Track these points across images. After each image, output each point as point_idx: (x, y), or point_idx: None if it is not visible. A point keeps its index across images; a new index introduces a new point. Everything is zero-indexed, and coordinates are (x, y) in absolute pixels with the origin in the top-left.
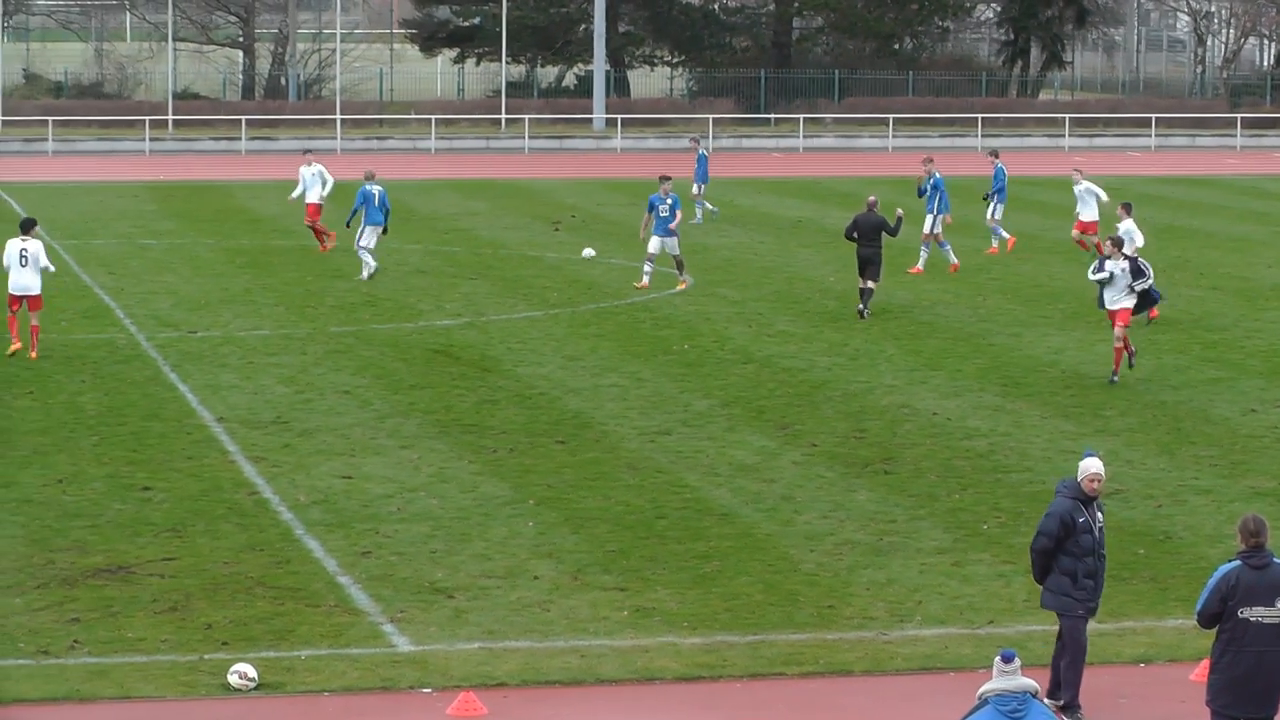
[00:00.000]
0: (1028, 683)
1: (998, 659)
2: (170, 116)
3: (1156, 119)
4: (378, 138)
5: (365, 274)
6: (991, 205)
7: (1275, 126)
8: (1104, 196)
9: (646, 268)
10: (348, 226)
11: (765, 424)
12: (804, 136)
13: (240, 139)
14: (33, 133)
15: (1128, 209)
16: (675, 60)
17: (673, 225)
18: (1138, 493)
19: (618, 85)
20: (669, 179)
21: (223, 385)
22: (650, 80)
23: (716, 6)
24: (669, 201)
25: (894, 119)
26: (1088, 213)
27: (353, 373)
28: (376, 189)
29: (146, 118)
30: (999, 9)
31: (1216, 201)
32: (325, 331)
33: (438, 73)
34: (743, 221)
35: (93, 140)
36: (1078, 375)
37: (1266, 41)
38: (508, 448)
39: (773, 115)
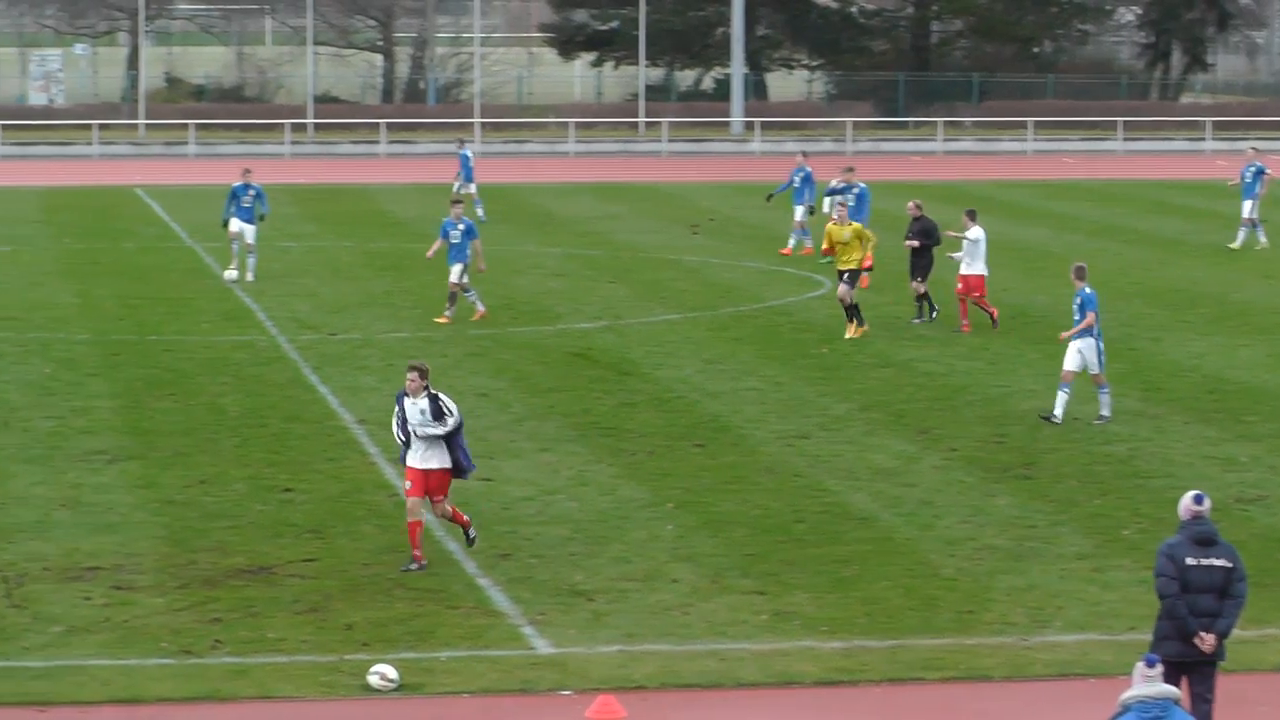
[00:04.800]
0: (1169, 689)
1: (1140, 664)
2: (310, 120)
3: None
4: (516, 141)
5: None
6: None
7: None
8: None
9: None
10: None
11: (904, 428)
12: (943, 140)
13: (379, 142)
14: (174, 136)
15: None
16: (813, 63)
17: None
18: None
19: (756, 88)
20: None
21: (363, 387)
22: (788, 83)
23: (855, 9)
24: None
25: (1033, 122)
26: None
27: (491, 375)
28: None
29: (286, 121)
30: (1140, 12)
31: None
32: (464, 334)
33: (575, 76)
34: (881, 224)
35: (233, 144)
36: (1219, 380)
37: None
38: (646, 451)
39: (911, 118)
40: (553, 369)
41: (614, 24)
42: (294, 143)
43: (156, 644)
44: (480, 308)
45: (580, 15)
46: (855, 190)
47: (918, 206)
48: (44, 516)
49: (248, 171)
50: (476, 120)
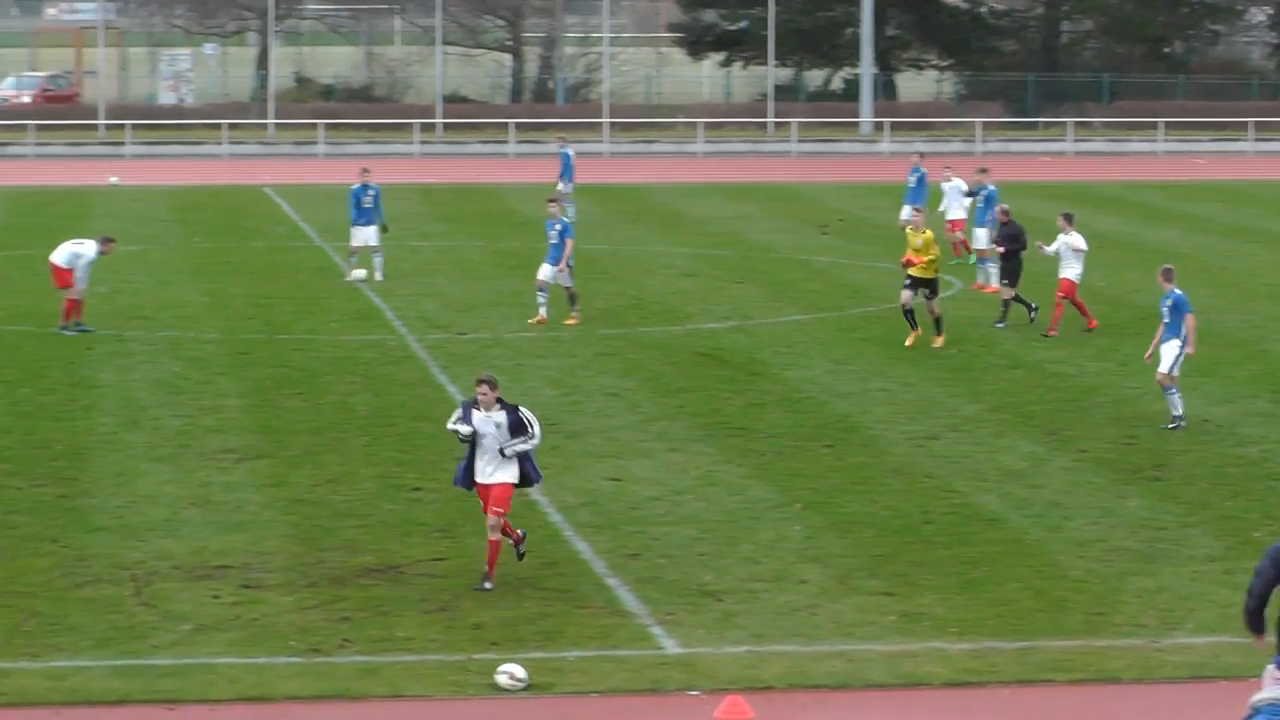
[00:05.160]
0: None
1: (1270, 667)
2: (439, 120)
3: None
4: (645, 141)
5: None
6: None
7: None
8: None
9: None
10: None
11: (1034, 429)
12: (1072, 140)
13: (508, 142)
14: (303, 135)
15: None
16: (943, 64)
17: None
18: None
19: (885, 88)
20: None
21: None
22: (917, 83)
23: (984, 9)
24: None
25: (1164, 123)
26: None
27: (620, 375)
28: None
29: (415, 121)
30: (1271, 13)
31: None
32: (593, 334)
33: (704, 76)
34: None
35: (362, 143)
36: None
37: None
38: (775, 451)
39: (1040, 119)
40: (682, 369)
41: (743, 24)
42: (423, 142)
43: (285, 642)
44: (542, 314)
45: (709, 15)
46: (984, 192)
47: (1005, 211)
48: (173, 515)
49: (366, 171)
50: (605, 120)
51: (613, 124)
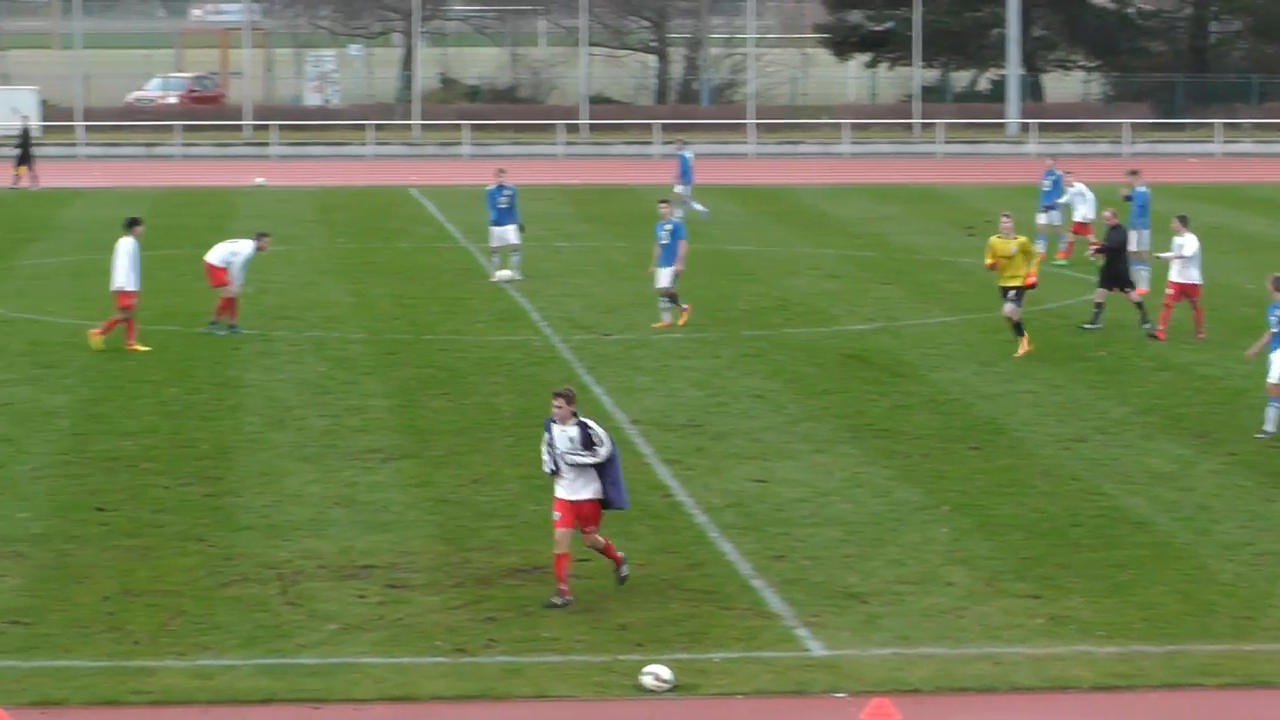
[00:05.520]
0: None
1: None
2: (584, 121)
3: None
4: (790, 142)
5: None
6: None
7: None
8: None
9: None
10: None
11: (1182, 432)
12: (1221, 141)
13: (652, 143)
14: (448, 136)
15: None
16: (1090, 64)
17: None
18: None
19: (1031, 89)
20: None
21: (636, 388)
22: (1064, 84)
23: (1132, 10)
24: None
25: None
26: None
27: (765, 376)
28: None
29: (560, 122)
30: None
31: None
32: (737, 335)
33: (849, 77)
34: (1161, 227)
35: (507, 144)
36: None
37: None
38: (921, 453)
39: (1188, 120)
40: (827, 370)
41: (889, 25)
42: (567, 143)
43: (430, 642)
44: (665, 319)
45: (855, 16)
46: (1135, 194)
47: (1114, 215)
48: (319, 515)
49: (501, 172)
50: (750, 121)
51: (758, 125)
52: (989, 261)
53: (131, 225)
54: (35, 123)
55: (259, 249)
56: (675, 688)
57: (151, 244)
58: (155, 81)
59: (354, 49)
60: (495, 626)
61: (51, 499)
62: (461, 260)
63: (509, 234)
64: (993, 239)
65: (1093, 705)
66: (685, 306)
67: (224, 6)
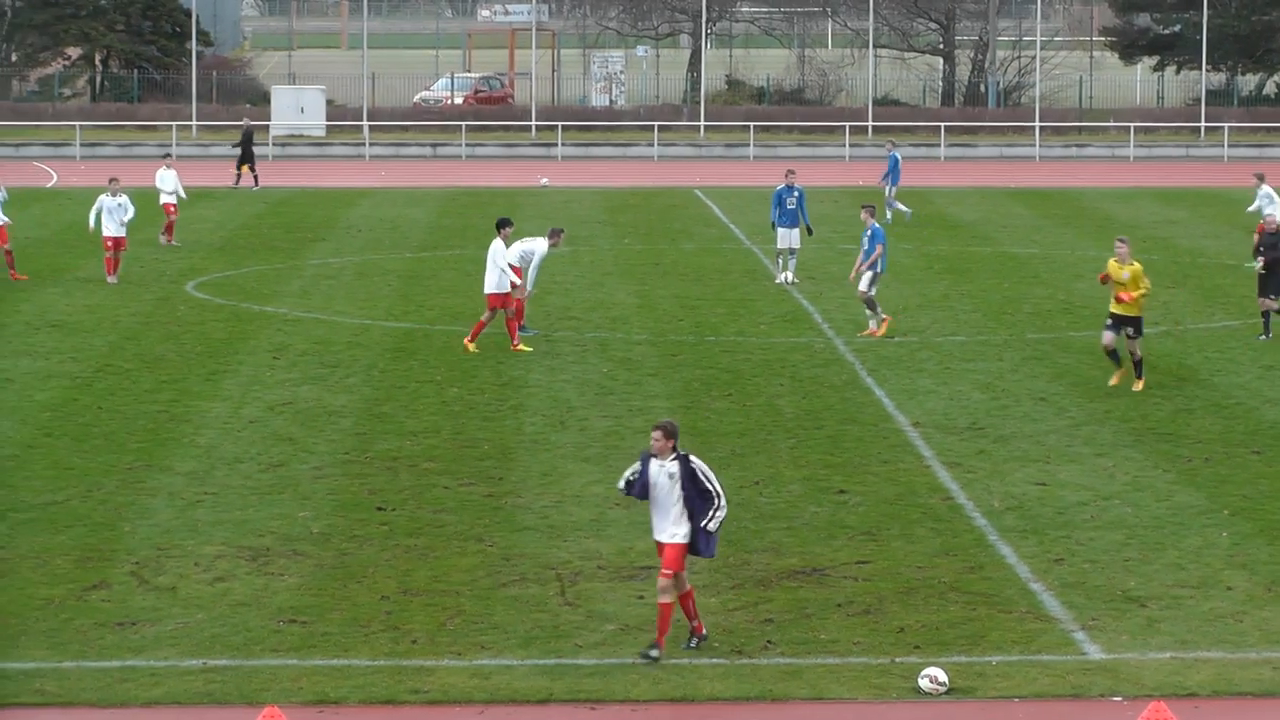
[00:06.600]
0: None
1: None
2: (870, 123)
3: None
4: (1076, 145)
5: None
6: None
7: None
8: None
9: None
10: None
11: None
12: None
13: (939, 145)
14: (734, 138)
15: None
16: None
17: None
18: None
19: None
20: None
21: (919, 390)
22: None
23: None
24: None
25: None
26: None
27: (1049, 379)
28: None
29: (846, 124)
30: None
31: None
32: (1022, 338)
33: (1137, 80)
34: None
35: (792, 146)
36: None
37: None
38: (1203, 457)
39: None
40: (1111, 374)
41: (1176, 28)
42: (853, 145)
43: (709, 644)
44: (872, 326)
45: (1142, 19)
46: None
47: (1274, 221)
48: (599, 515)
49: (791, 173)
50: (1036, 124)
51: (1043, 127)
52: (1102, 275)
53: (500, 227)
54: (316, 121)
55: (552, 245)
56: (952, 690)
57: (435, 244)
58: (441, 81)
59: (641, 50)
60: (774, 628)
61: (332, 498)
62: (746, 262)
63: (793, 236)
64: (1110, 262)
65: None
66: (885, 317)
67: (512, 7)
